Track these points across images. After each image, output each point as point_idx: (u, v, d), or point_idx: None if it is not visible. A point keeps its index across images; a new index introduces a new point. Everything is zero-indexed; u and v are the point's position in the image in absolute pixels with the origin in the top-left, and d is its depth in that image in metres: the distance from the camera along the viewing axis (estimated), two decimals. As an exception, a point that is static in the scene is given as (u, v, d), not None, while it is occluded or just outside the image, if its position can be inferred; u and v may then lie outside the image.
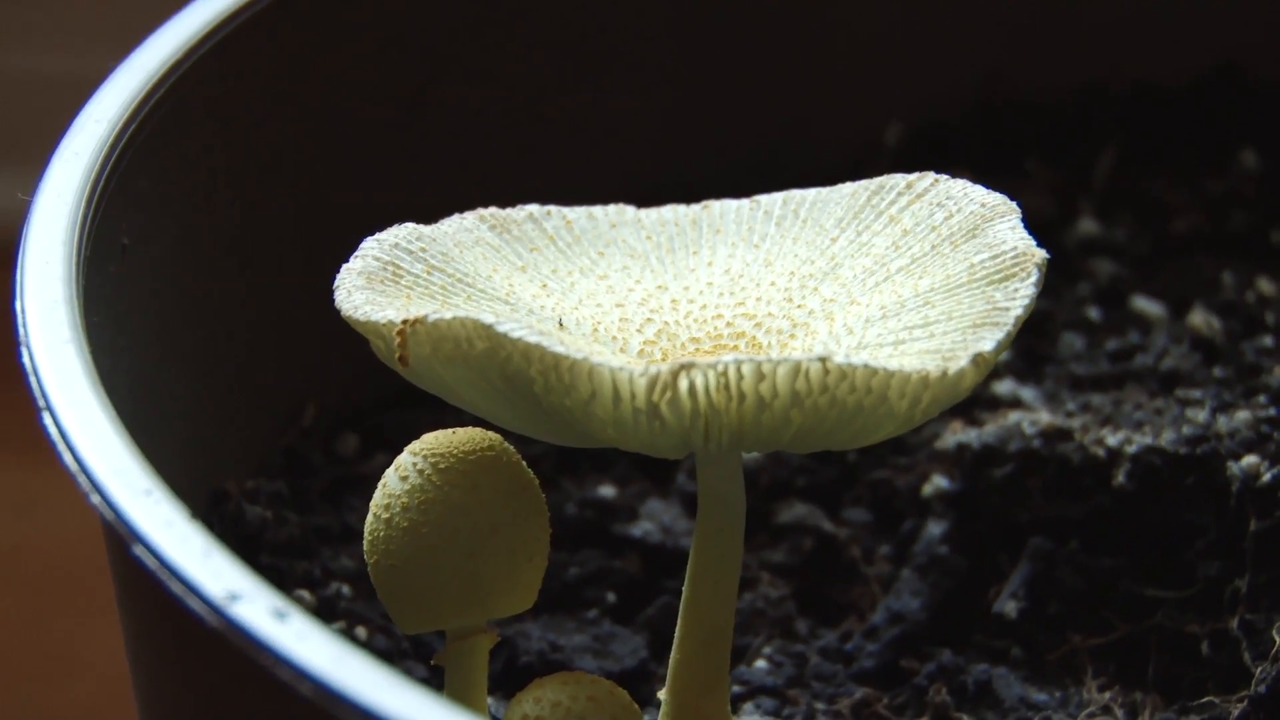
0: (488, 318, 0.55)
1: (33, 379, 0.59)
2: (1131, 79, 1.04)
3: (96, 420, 0.57)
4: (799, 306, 0.62)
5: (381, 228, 0.64)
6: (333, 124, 0.86)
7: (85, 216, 0.67)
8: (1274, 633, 0.71)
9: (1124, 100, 1.03)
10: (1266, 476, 0.73)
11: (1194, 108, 1.03)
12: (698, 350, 0.60)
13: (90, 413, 0.58)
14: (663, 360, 0.60)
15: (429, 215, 0.66)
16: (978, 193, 0.63)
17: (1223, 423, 0.77)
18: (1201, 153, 1.01)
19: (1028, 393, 0.82)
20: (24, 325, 0.61)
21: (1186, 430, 0.76)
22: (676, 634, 0.62)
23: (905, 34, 0.98)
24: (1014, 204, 0.63)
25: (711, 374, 0.54)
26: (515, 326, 0.55)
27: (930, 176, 0.65)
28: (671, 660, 0.62)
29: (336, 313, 0.60)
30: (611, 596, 0.76)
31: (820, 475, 0.80)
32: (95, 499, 0.55)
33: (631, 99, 0.95)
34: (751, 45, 0.96)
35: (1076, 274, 0.94)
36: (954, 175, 0.93)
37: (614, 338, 0.61)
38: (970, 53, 1.00)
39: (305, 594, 0.74)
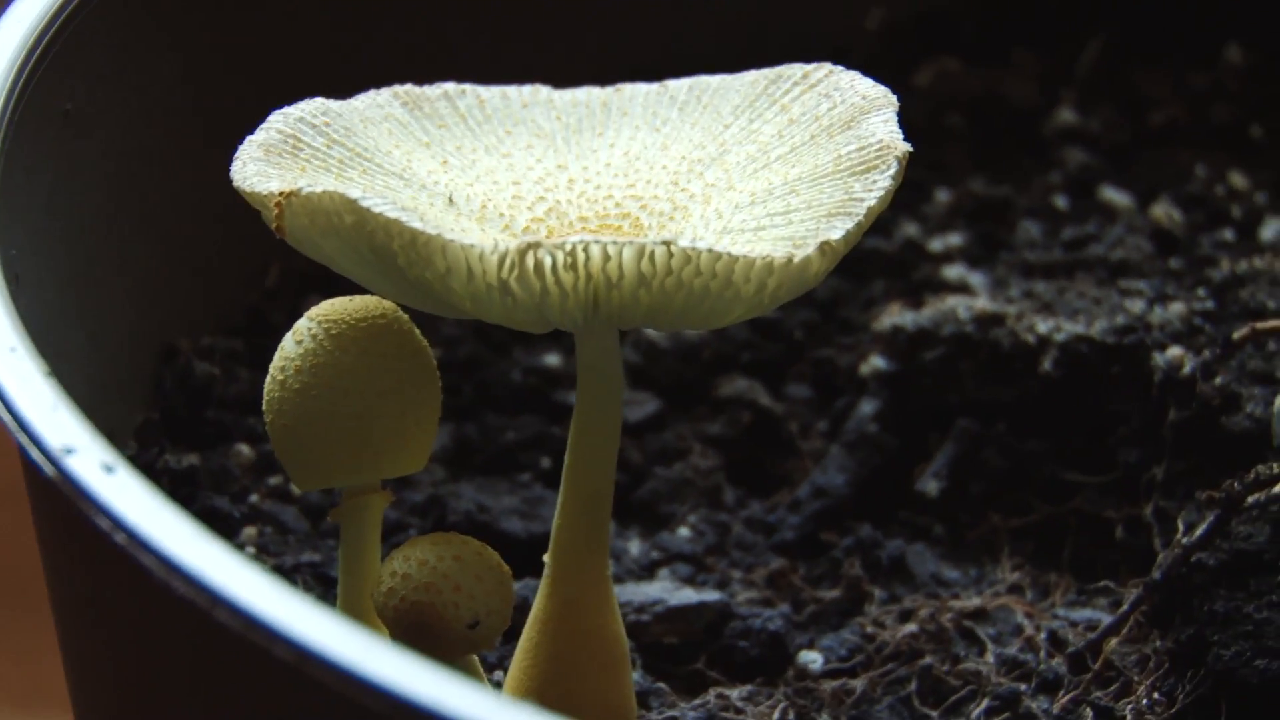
0: (354, 192, 0.56)
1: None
2: (1125, -29, 0.99)
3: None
4: (683, 190, 0.61)
5: (332, 94, 0.65)
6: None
7: (16, 82, 0.66)
8: (1179, 520, 0.70)
9: (1116, -8, 0.99)
10: (1188, 368, 0.73)
11: (1183, 2, 1.00)
12: (584, 228, 0.60)
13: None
14: (548, 237, 0.60)
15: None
16: (864, 85, 0.62)
17: (1157, 314, 0.76)
18: (1188, 46, 0.98)
19: (976, 278, 0.82)
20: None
21: (1119, 320, 0.75)
22: (559, 500, 0.62)
23: None
24: (894, 98, 0.62)
25: (559, 254, 0.54)
26: (378, 201, 0.55)
27: (826, 67, 0.63)
28: (554, 525, 0.62)
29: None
30: (546, 461, 0.76)
31: (765, 351, 0.80)
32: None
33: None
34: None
35: (1049, 163, 0.92)
36: (939, 62, 0.92)
37: (501, 214, 0.61)
38: None
39: (245, 448, 0.75)
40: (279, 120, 0.62)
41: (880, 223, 0.69)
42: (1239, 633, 0.66)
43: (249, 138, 0.61)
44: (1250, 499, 0.68)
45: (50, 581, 0.65)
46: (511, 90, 0.66)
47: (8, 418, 0.53)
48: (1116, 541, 0.74)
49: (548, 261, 0.54)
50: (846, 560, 0.72)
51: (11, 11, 0.70)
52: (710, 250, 0.54)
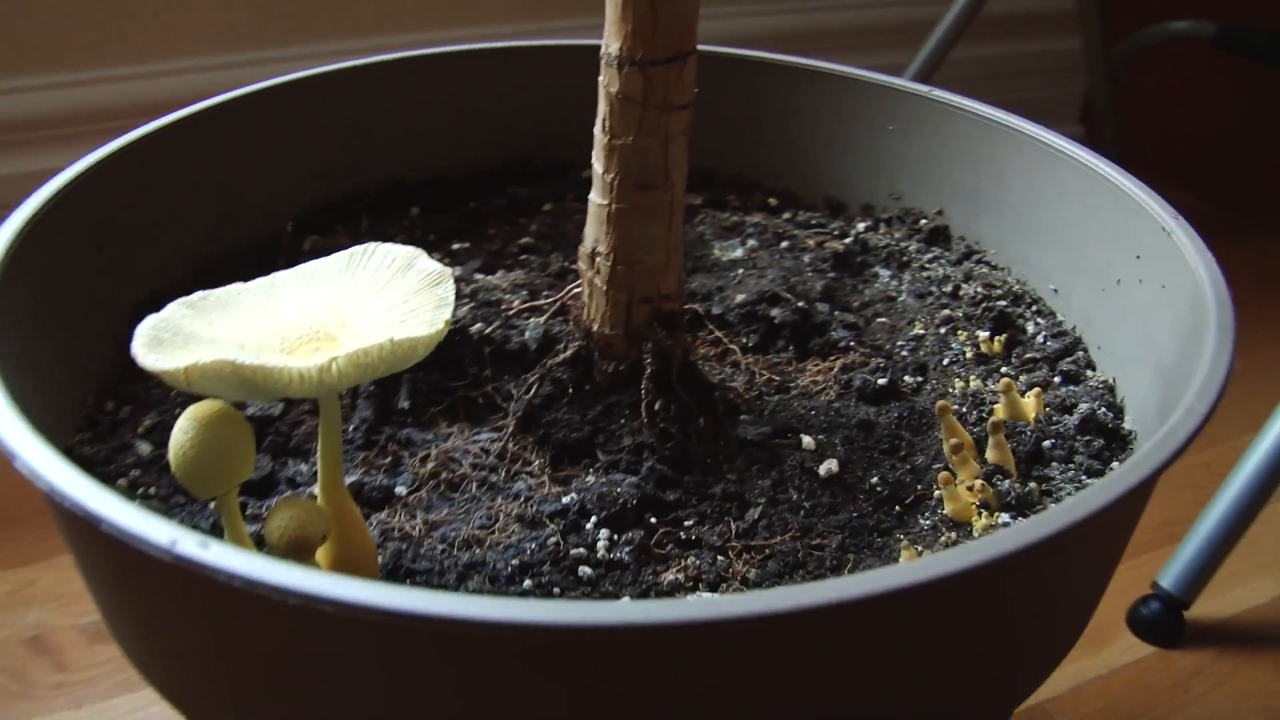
0: (229, 355, 0.46)
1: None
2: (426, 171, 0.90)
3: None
4: (338, 314, 0.55)
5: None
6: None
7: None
8: (513, 389, 0.67)
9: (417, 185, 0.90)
10: (486, 330, 0.71)
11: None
12: (299, 341, 0.52)
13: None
14: (288, 350, 0.52)
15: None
16: (400, 248, 0.57)
17: (462, 312, 0.73)
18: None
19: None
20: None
21: (463, 314, 0.72)
22: (319, 465, 0.55)
23: (274, 172, 0.82)
24: (421, 250, 0.57)
25: (344, 359, 0.48)
26: (246, 357, 0.47)
27: (375, 245, 0.58)
28: (319, 475, 0.54)
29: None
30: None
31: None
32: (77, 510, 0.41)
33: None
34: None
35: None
36: (327, 239, 0.81)
37: (265, 345, 0.52)
38: (311, 175, 0.84)
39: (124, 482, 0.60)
40: (142, 330, 0.50)
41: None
42: (559, 424, 0.65)
43: (134, 344, 0.49)
44: (544, 373, 0.67)
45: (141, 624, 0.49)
46: (229, 288, 0.56)
47: (119, 535, 0.40)
48: (483, 405, 0.68)
49: (341, 362, 0.48)
50: (388, 445, 0.65)
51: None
52: (407, 337, 0.49)
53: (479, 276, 0.80)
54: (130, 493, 0.59)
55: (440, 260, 0.80)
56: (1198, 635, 1.03)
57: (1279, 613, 1.07)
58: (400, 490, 0.62)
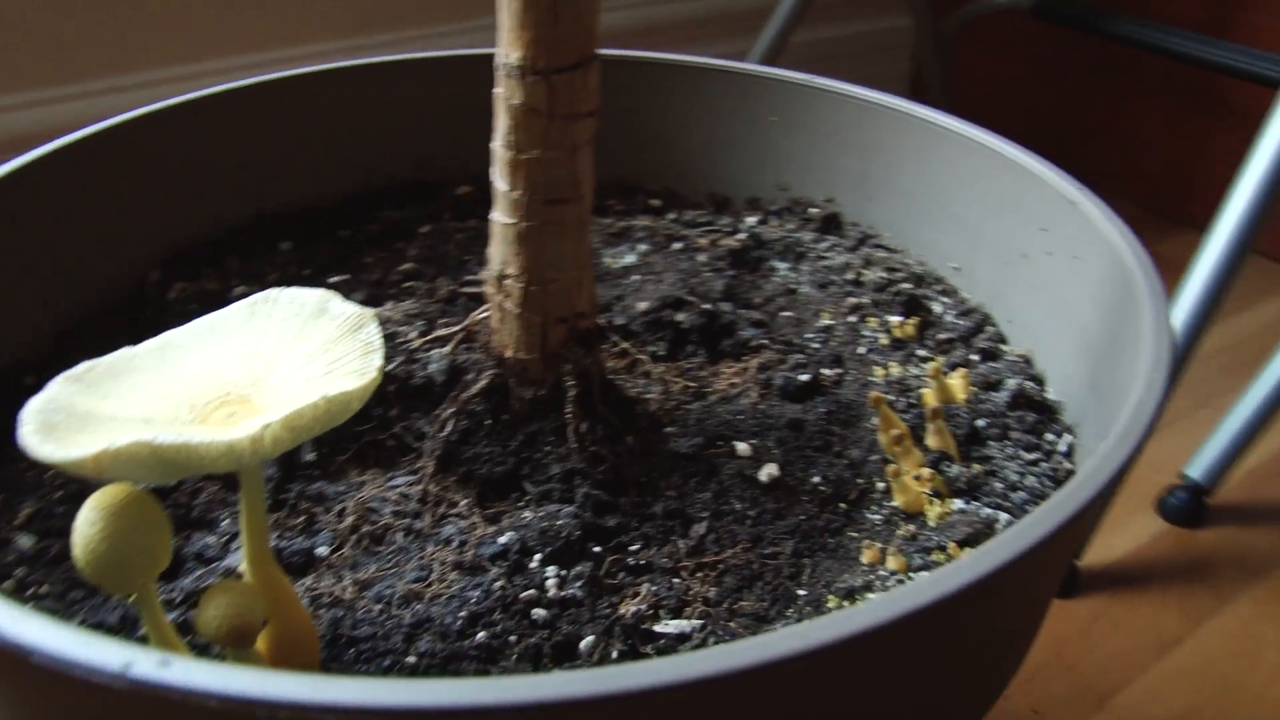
0: (144, 435, 0.41)
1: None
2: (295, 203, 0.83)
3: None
4: (249, 372, 0.49)
5: None
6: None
7: None
8: (425, 427, 0.64)
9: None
10: (390, 367, 0.67)
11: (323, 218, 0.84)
12: (210, 407, 0.47)
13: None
14: (200, 418, 0.46)
15: None
16: (308, 292, 0.52)
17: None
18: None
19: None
20: None
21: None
22: (243, 538, 0.49)
23: (127, 217, 0.74)
24: (334, 292, 0.52)
25: (278, 423, 0.43)
26: (165, 436, 0.41)
27: (276, 290, 0.52)
28: (243, 549, 0.49)
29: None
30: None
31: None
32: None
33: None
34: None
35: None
36: (194, 284, 0.75)
37: (174, 416, 0.46)
38: (169, 217, 0.76)
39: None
40: (29, 417, 0.44)
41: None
42: (480, 459, 0.62)
43: (21, 431, 0.42)
44: (458, 407, 0.64)
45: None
46: (117, 354, 0.50)
47: (58, 666, 0.35)
48: (393, 448, 0.64)
49: (274, 429, 0.43)
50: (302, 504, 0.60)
51: None
52: (342, 391, 0.45)
53: (366, 309, 0.76)
54: (19, 595, 0.52)
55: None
56: (1092, 582, 1.09)
57: (1159, 550, 1.14)
58: (322, 550, 0.57)
